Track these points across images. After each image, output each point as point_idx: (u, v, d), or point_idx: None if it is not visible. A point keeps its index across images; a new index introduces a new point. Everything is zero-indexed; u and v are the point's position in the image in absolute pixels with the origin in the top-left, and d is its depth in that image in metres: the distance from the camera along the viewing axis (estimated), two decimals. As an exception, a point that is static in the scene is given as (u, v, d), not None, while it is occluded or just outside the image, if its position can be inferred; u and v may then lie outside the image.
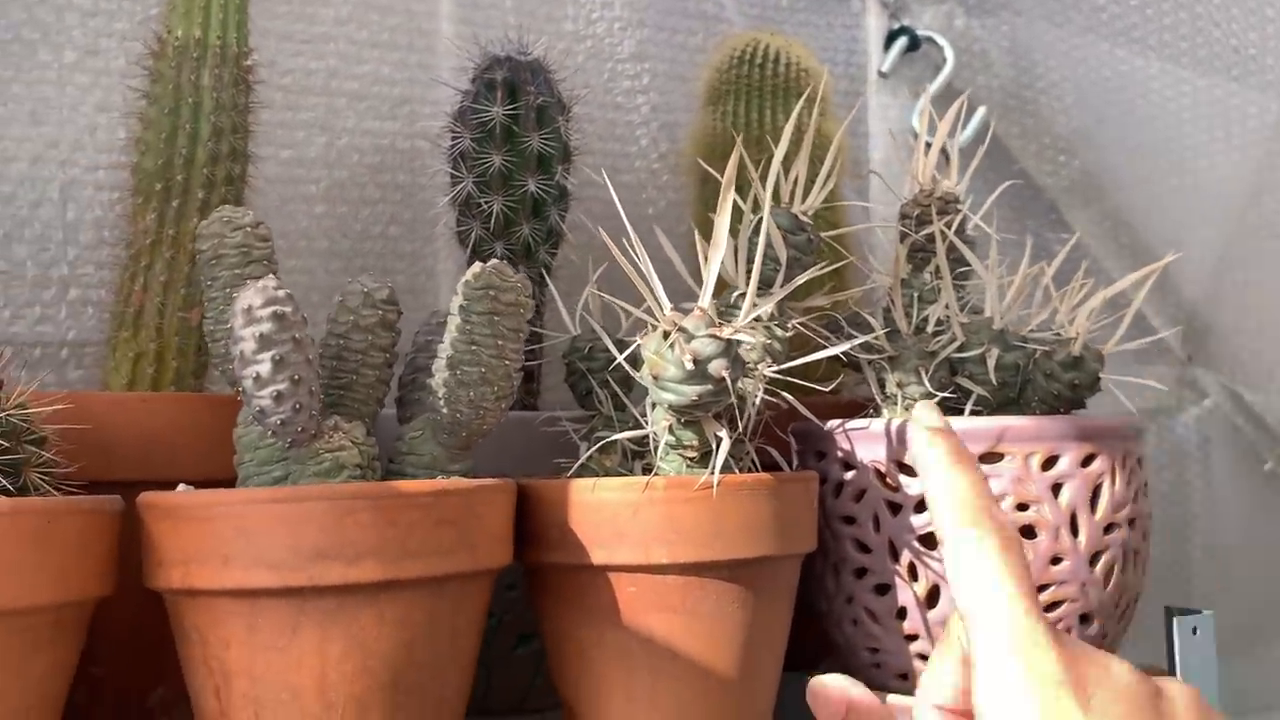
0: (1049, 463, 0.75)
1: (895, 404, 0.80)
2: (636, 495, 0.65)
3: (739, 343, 0.65)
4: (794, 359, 0.74)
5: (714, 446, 0.66)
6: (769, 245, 0.77)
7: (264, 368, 0.59)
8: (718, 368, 0.64)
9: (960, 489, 0.50)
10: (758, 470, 0.71)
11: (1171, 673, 0.81)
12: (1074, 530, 0.75)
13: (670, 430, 0.68)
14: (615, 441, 0.74)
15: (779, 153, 0.78)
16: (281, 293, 0.60)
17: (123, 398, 0.77)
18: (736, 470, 0.69)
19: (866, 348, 0.80)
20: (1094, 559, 0.75)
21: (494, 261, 0.67)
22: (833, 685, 0.54)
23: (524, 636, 0.84)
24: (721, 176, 0.67)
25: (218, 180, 0.84)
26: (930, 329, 0.81)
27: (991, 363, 0.78)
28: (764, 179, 0.78)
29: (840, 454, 0.79)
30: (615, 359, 0.70)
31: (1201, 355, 1.36)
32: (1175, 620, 0.81)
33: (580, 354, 0.80)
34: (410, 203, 1.09)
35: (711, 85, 1.04)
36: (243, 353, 0.60)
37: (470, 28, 1.11)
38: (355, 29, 1.07)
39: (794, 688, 0.77)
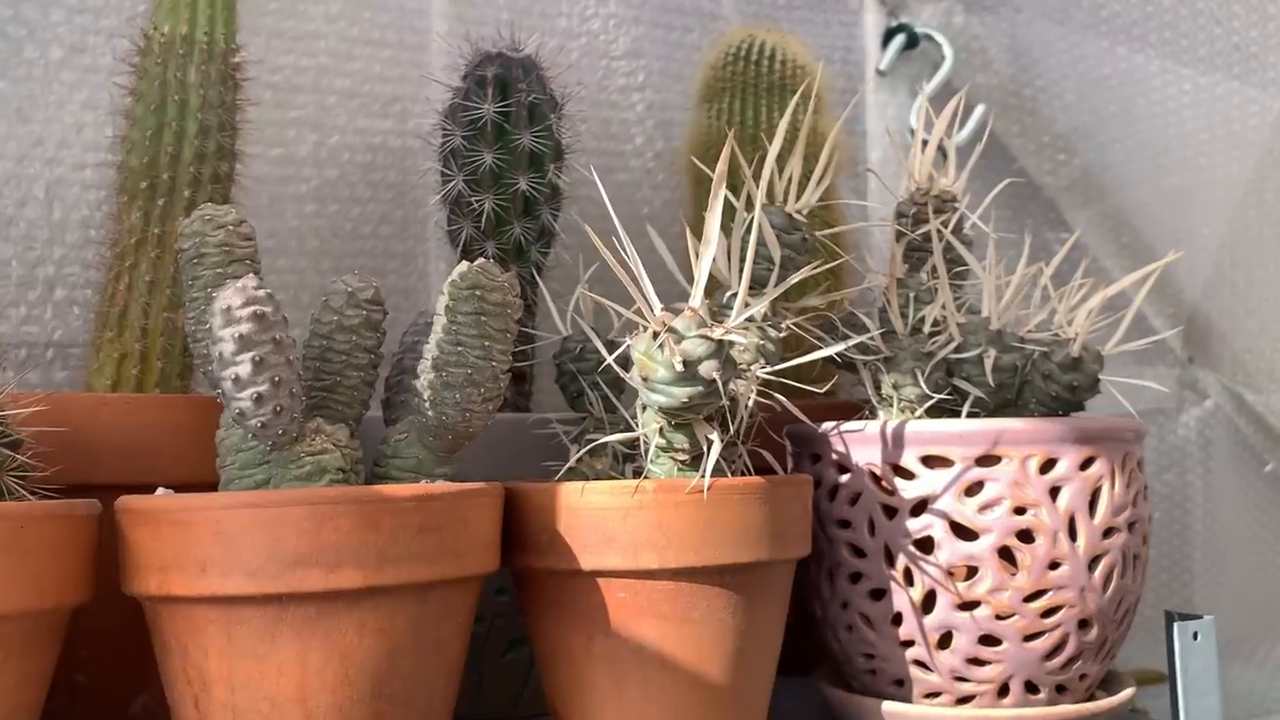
0: (1047, 466, 0.73)
1: (891, 405, 0.79)
2: (626, 499, 0.64)
3: (731, 344, 0.64)
4: (788, 360, 0.72)
5: (705, 449, 0.65)
6: (762, 244, 0.75)
7: (244, 369, 0.58)
8: (709, 369, 0.63)
9: None
10: (750, 473, 0.70)
11: (1172, 678, 0.80)
12: (1072, 534, 0.73)
13: (661, 433, 0.67)
14: (606, 444, 0.73)
15: (773, 150, 0.76)
16: (262, 292, 0.59)
17: (103, 399, 0.75)
18: (729, 473, 0.68)
19: (862, 348, 0.79)
20: (1093, 563, 0.74)
21: (481, 260, 0.66)
22: None
23: (514, 642, 0.83)
24: (716, 172, 0.66)
25: (204, 178, 0.83)
26: (927, 329, 0.80)
27: (989, 364, 0.77)
28: (758, 177, 0.77)
29: (835, 457, 0.77)
30: (606, 360, 0.68)
31: (1202, 356, 1.35)
32: (1175, 625, 0.79)
33: (571, 355, 0.78)
34: (402, 202, 1.08)
35: (707, 82, 1.03)
36: (222, 354, 0.58)
37: (463, 24, 1.10)
38: (346, 26, 1.06)
39: (789, 692, 0.76)
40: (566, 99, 0.91)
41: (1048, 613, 0.73)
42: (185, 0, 0.84)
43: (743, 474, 0.69)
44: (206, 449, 0.65)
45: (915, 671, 0.75)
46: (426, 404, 0.65)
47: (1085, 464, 0.74)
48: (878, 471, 0.75)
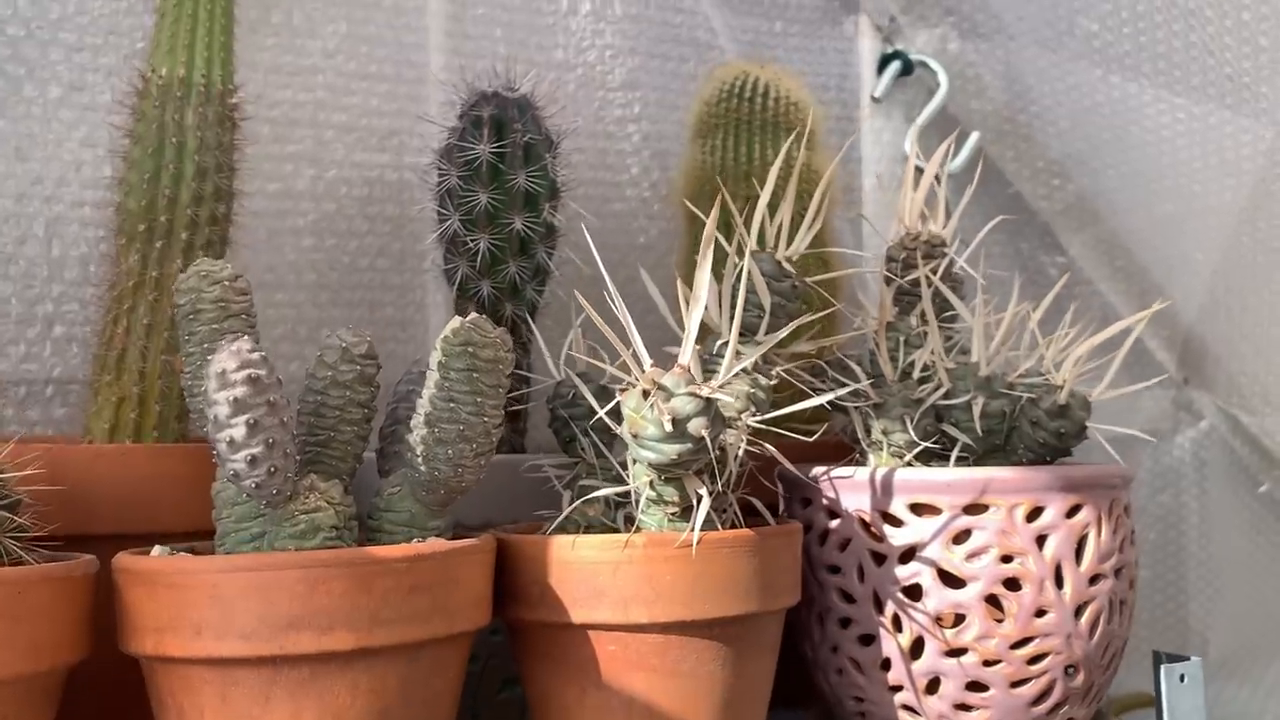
0: (1034, 514, 0.74)
1: (881, 450, 0.80)
2: (616, 554, 0.65)
3: (719, 400, 0.65)
4: (779, 407, 0.73)
5: (695, 503, 0.66)
6: (752, 292, 0.76)
7: (238, 432, 0.59)
8: (697, 427, 0.64)
9: None
10: (740, 522, 0.71)
11: (1159, 718, 0.81)
12: (1059, 582, 0.74)
13: (651, 485, 0.68)
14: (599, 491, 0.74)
15: (764, 197, 0.77)
16: (256, 355, 0.59)
17: (100, 451, 0.76)
18: (719, 523, 0.68)
19: (853, 392, 0.80)
20: (1079, 610, 0.75)
21: (473, 316, 0.66)
22: None
23: (508, 681, 0.84)
24: (708, 215, 0.66)
25: (202, 220, 0.84)
26: (917, 374, 0.80)
27: (977, 410, 0.78)
28: (749, 223, 0.78)
29: (825, 502, 0.78)
30: (598, 414, 0.69)
31: (1198, 378, 1.36)
32: (1163, 668, 0.80)
33: (563, 401, 0.79)
34: (399, 235, 1.09)
35: (700, 119, 1.03)
36: (217, 416, 0.59)
37: (460, 58, 1.10)
38: (344, 61, 1.07)
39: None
40: (562, 137, 0.92)
41: (1034, 659, 0.74)
42: (182, 42, 0.84)
43: (733, 523, 0.70)
44: (204, 498, 0.66)
45: (904, 716, 0.76)
46: (419, 459, 0.65)
47: (1072, 512, 0.75)
48: (867, 518, 0.76)
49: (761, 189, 0.77)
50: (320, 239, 1.06)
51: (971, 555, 0.74)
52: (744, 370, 0.74)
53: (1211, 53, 1.15)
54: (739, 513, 0.71)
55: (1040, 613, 0.74)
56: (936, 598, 0.74)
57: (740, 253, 0.76)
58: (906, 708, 0.76)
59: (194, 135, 0.83)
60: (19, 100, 0.95)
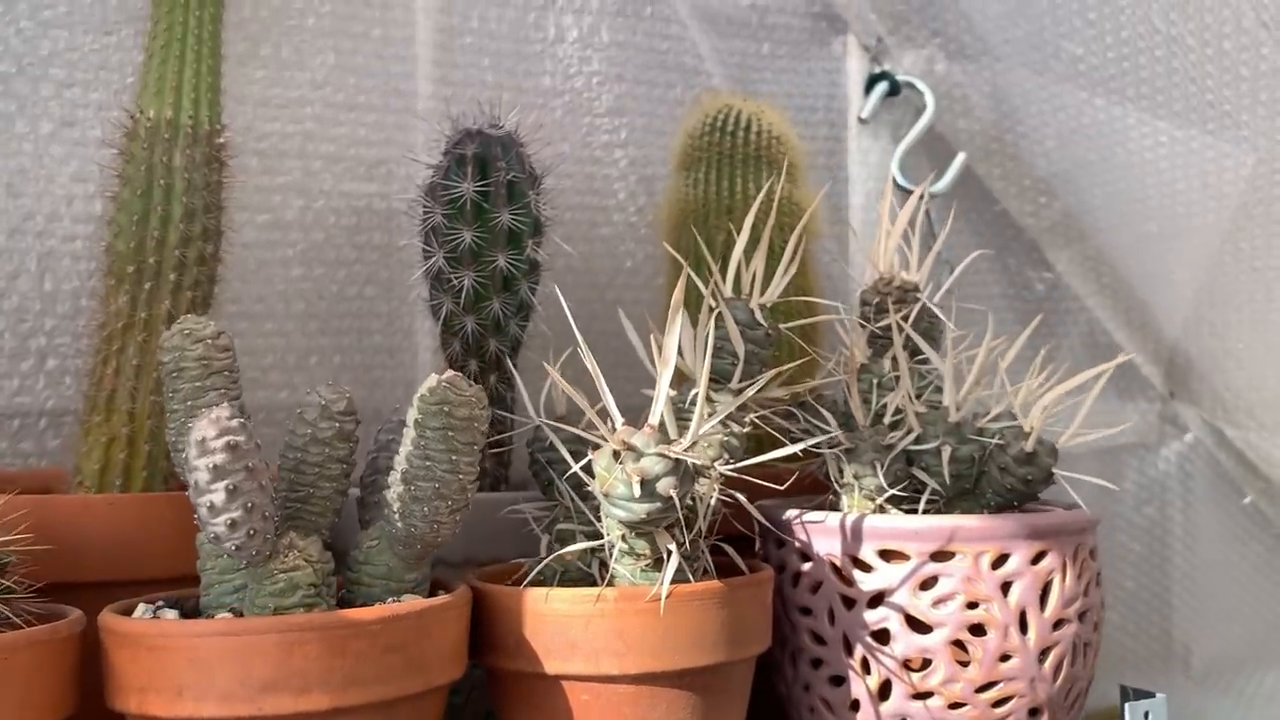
0: (999, 561, 0.76)
1: (853, 492, 0.81)
2: (588, 607, 0.67)
3: (688, 461, 0.66)
4: (754, 450, 0.75)
5: (665, 557, 0.68)
6: (726, 339, 0.78)
7: (218, 497, 0.61)
8: (666, 487, 0.65)
9: None
10: (712, 570, 0.72)
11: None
12: (1023, 627, 0.76)
13: (624, 539, 0.69)
14: (575, 536, 0.75)
15: (740, 242, 0.79)
16: (234, 422, 0.61)
17: (87, 502, 0.78)
18: (690, 575, 0.70)
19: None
20: (1043, 654, 0.76)
21: (450, 374, 0.68)
22: None
23: (490, 713, 0.86)
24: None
25: (190, 261, 0.85)
26: (889, 418, 0.82)
27: (946, 456, 0.79)
28: (724, 271, 0.79)
29: (798, 544, 0.80)
30: (573, 469, 0.71)
31: (1183, 391, 1.37)
32: (1128, 706, 0.82)
33: (541, 446, 0.81)
34: (387, 263, 1.10)
35: (684, 151, 1.05)
36: (197, 482, 0.61)
37: (448, 87, 1.12)
38: (331, 92, 1.08)
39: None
40: (546, 173, 0.94)
41: (999, 703, 0.76)
42: (170, 83, 0.86)
43: (705, 572, 0.72)
44: (191, 545, 0.68)
45: (872, 755, 0.78)
46: (396, 515, 0.67)
47: (1037, 558, 0.76)
48: (837, 563, 0.78)
49: (735, 243, 0.78)
50: (309, 268, 1.07)
51: (938, 601, 0.75)
52: (718, 421, 0.75)
53: (1193, 80, 1.16)
54: (710, 561, 0.73)
55: (1005, 657, 0.76)
56: (904, 642, 0.76)
57: (716, 298, 0.78)
58: (875, 747, 0.78)
59: (182, 177, 0.85)
60: (10, 136, 0.97)
